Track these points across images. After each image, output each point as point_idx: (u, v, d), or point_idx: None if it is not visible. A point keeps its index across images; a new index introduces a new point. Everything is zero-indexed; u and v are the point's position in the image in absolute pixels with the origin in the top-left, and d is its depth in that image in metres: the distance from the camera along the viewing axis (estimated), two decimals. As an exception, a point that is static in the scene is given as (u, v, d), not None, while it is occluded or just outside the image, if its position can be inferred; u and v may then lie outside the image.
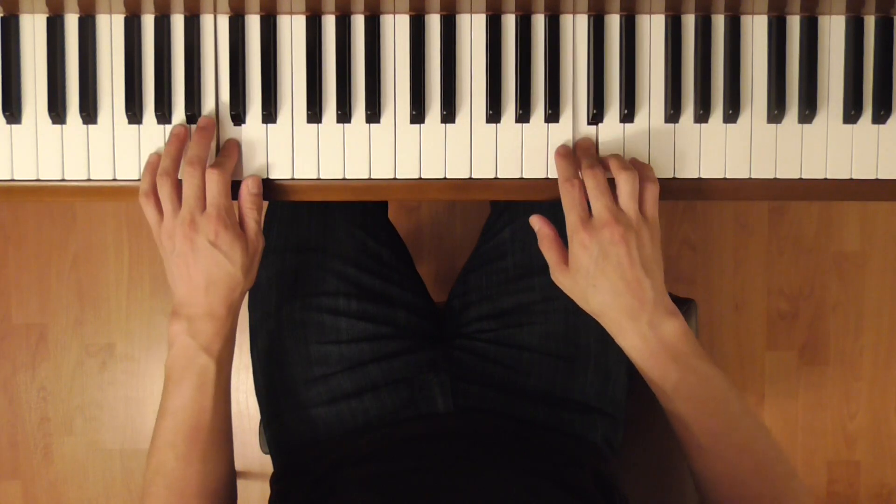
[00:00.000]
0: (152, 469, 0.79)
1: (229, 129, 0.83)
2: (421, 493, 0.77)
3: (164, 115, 0.82)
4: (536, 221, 0.82)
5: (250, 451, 1.70)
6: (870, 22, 0.84)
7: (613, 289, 0.76)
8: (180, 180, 0.79)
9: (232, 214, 0.79)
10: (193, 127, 0.83)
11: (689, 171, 0.84)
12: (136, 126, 0.83)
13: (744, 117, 0.84)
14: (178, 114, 0.83)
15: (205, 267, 0.77)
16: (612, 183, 0.78)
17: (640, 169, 0.79)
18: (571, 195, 0.78)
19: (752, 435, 0.78)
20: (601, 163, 0.80)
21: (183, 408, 0.78)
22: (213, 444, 0.80)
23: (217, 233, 0.77)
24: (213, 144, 0.82)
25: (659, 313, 0.76)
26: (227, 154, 0.81)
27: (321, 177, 0.84)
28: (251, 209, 0.81)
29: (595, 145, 0.83)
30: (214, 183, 0.78)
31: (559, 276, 0.80)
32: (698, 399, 0.76)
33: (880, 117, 0.84)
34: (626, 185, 0.77)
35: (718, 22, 0.84)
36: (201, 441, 0.79)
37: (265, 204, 1.00)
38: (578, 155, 0.81)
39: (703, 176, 0.84)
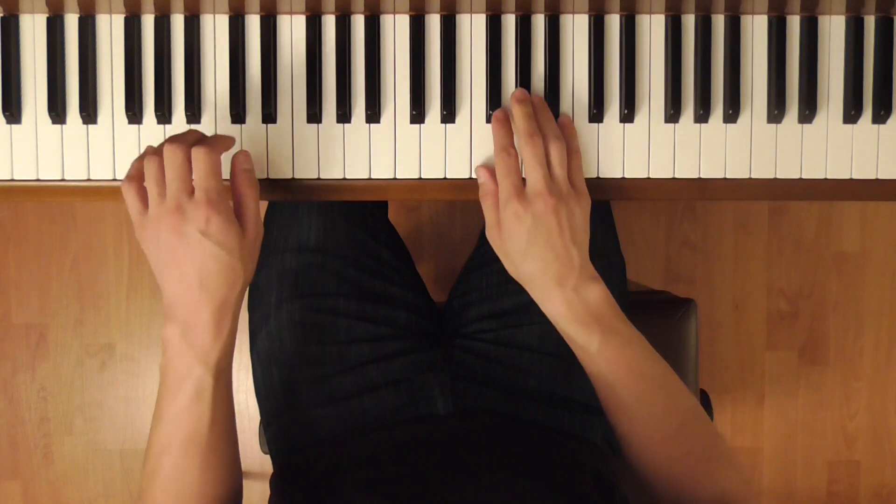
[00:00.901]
0: (148, 473, 0.76)
1: (229, 129, 0.83)
2: (421, 497, 0.77)
3: (164, 115, 0.82)
4: (482, 174, 0.80)
5: (250, 451, 1.70)
6: (870, 22, 0.84)
7: (543, 258, 0.77)
8: None
9: (224, 197, 0.71)
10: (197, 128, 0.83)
11: (688, 171, 0.84)
12: (136, 126, 0.83)
13: (744, 117, 0.84)
14: (178, 114, 0.83)
15: (197, 260, 0.70)
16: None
17: (566, 137, 0.80)
18: (507, 164, 0.78)
19: (675, 394, 0.79)
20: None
21: (179, 417, 0.73)
22: (211, 453, 0.75)
23: (208, 219, 0.69)
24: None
25: (583, 279, 0.78)
26: (217, 138, 0.75)
27: (321, 177, 0.83)
28: (250, 187, 0.74)
29: (529, 99, 0.81)
30: (202, 161, 0.70)
31: (494, 237, 0.80)
32: (622, 360, 0.78)
33: (880, 117, 0.84)
34: (556, 154, 0.78)
35: (718, 22, 0.84)
36: (199, 450, 0.74)
37: (265, 204, 1.00)
38: (517, 117, 0.79)
39: (702, 176, 0.84)
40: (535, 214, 0.76)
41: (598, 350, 0.78)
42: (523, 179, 0.78)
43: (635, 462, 0.81)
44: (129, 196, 0.72)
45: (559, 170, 0.78)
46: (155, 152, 0.72)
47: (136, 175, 0.73)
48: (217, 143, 0.73)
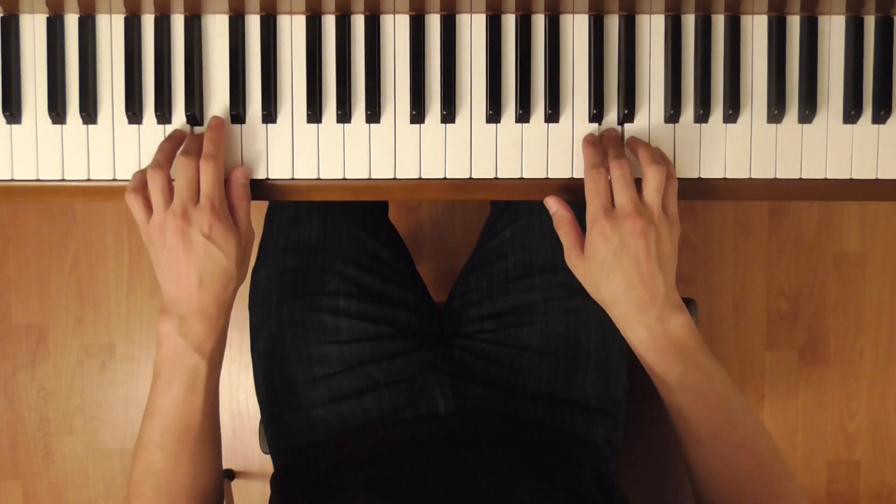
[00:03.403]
0: (140, 470, 0.78)
1: (229, 129, 0.83)
2: (421, 496, 0.77)
3: (164, 115, 0.82)
4: (553, 203, 0.81)
5: (250, 451, 1.70)
6: (870, 22, 0.84)
7: (627, 280, 0.76)
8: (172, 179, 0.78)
9: (225, 205, 0.77)
10: (198, 129, 0.83)
11: (689, 171, 0.84)
12: (136, 126, 0.83)
13: (744, 117, 0.84)
14: (178, 114, 0.83)
15: (198, 261, 0.75)
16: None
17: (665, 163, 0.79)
18: (597, 183, 0.77)
19: (752, 432, 0.78)
20: (627, 151, 0.80)
21: (173, 408, 0.77)
22: (202, 445, 0.79)
23: (211, 225, 0.75)
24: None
25: (668, 308, 0.76)
26: (216, 142, 0.79)
27: (321, 177, 0.83)
28: (242, 199, 0.79)
29: (621, 137, 0.83)
30: (210, 174, 0.76)
31: (574, 261, 0.79)
32: (701, 393, 0.76)
33: (880, 117, 0.84)
34: (653, 178, 0.77)
35: (718, 22, 0.84)
36: (191, 442, 0.78)
37: (265, 204, 1.00)
38: (605, 144, 0.81)
39: (703, 176, 0.84)
40: (622, 235, 0.75)
41: (677, 381, 0.76)
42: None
43: (702, 495, 0.79)
44: (135, 205, 0.78)
45: (654, 195, 0.76)
46: (158, 165, 0.77)
47: (140, 186, 0.78)
48: (221, 155, 0.79)
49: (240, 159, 0.83)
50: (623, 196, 0.76)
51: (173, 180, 0.77)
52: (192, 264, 0.76)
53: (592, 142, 0.81)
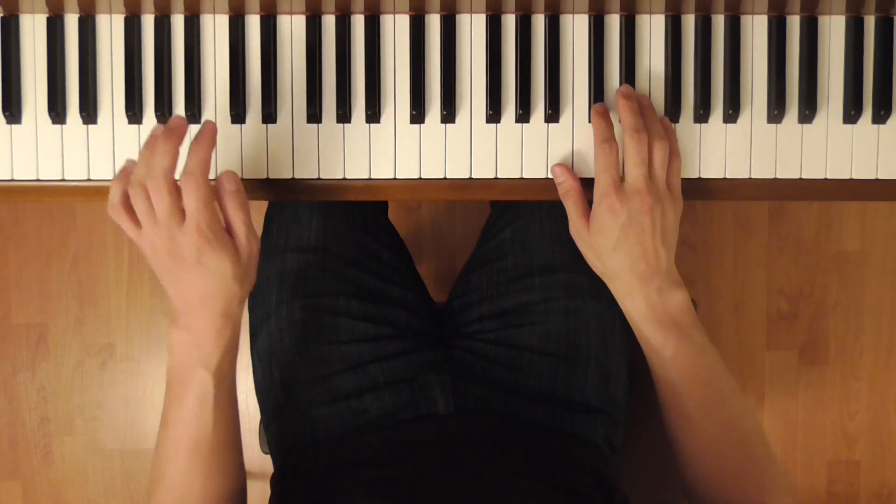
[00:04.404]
0: (155, 478, 0.79)
1: (229, 129, 0.83)
2: (421, 497, 0.77)
3: (164, 115, 0.82)
4: (560, 172, 0.81)
5: (250, 451, 1.69)
6: (870, 22, 0.84)
7: (632, 256, 0.77)
8: None
9: (215, 224, 0.71)
10: (195, 127, 0.83)
11: (689, 171, 0.84)
12: (136, 126, 0.83)
13: (744, 117, 0.84)
14: (179, 113, 0.83)
15: (196, 282, 0.72)
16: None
17: (668, 138, 0.80)
18: (608, 158, 0.78)
19: (740, 412, 0.80)
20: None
21: (183, 421, 0.76)
22: (215, 458, 0.78)
23: (200, 249, 0.70)
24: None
25: (668, 283, 0.78)
26: (198, 156, 0.71)
27: (321, 177, 0.83)
28: (236, 210, 0.72)
29: (634, 95, 0.81)
30: (191, 194, 0.69)
31: (579, 232, 0.80)
32: (693, 368, 0.78)
33: (880, 117, 0.84)
34: (659, 154, 0.78)
35: (718, 22, 0.84)
36: (203, 455, 0.77)
37: (265, 204, 1.00)
38: (623, 112, 0.79)
39: (703, 176, 0.84)
40: (630, 211, 0.77)
41: (671, 355, 0.78)
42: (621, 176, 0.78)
43: (686, 473, 0.81)
44: (121, 221, 0.73)
45: (660, 170, 0.78)
46: (140, 183, 0.70)
47: (122, 199, 0.72)
48: (205, 169, 0.71)
49: (240, 159, 0.83)
50: (636, 171, 0.77)
51: None
52: (191, 282, 0.72)
53: (603, 113, 0.80)
